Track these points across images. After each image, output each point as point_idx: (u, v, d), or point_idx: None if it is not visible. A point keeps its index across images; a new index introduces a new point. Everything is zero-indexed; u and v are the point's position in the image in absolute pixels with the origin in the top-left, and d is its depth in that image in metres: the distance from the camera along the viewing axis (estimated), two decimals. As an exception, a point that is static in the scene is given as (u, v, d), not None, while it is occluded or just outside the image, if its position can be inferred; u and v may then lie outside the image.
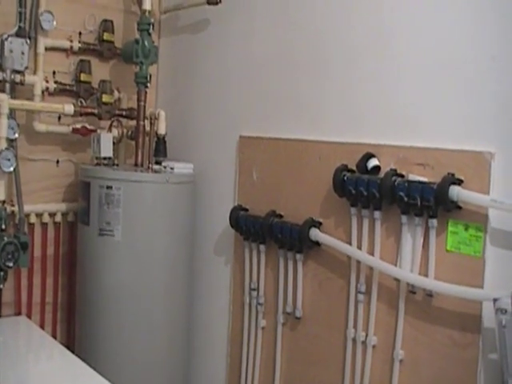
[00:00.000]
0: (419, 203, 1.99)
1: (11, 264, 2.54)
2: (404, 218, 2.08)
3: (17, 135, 2.72)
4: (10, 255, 2.53)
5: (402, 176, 2.10)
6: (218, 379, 2.95)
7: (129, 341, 2.70)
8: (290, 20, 2.60)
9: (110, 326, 2.70)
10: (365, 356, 2.24)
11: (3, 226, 2.58)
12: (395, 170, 2.11)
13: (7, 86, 2.70)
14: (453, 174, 1.96)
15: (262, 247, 2.63)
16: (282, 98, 2.63)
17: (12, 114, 2.70)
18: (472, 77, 1.97)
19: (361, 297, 2.25)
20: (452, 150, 1.98)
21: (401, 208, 2.07)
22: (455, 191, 1.92)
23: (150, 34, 2.90)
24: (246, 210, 2.70)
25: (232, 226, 2.71)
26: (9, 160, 2.57)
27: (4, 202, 2.62)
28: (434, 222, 2.00)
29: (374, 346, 2.22)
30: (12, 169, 2.60)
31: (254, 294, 2.69)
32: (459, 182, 1.94)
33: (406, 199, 2.02)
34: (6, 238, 2.53)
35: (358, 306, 2.26)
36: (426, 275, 2.03)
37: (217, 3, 2.88)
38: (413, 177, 2.07)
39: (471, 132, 1.98)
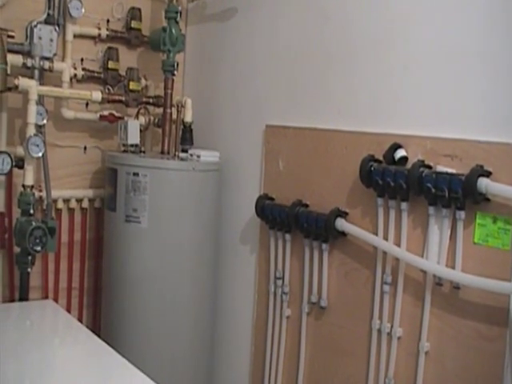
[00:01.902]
0: (447, 195, 1.97)
1: (39, 248, 2.55)
2: (431, 210, 2.06)
3: (45, 121, 2.74)
4: (37, 240, 2.54)
5: (430, 167, 2.08)
6: (242, 367, 2.96)
7: (154, 327, 2.72)
8: (318, 9, 2.57)
9: (136, 311, 2.72)
10: (390, 347, 2.23)
11: (31, 211, 2.60)
12: (423, 161, 2.09)
13: (36, 72, 2.72)
14: (481, 166, 1.93)
15: (287, 236, 2.62)
16: (308, 88, 2.61)
17: (41, 100, 2.72)
18: (501, 67, 1.94)
19: (386, 288, 2.23)
20: (480, 142, 1.95)
21: (428, 199, 2.05)
22: (484, 183, 1.90)
23: (177, 22, 2.90)
24: (272, 199, 2.69)
25: (258, 215, 2.70)
26: (37, 146, 2.59)
27: (32, 187, 2.63)
28: (461, 213, 1.98)
29: (399, 338, 2.21)
30: (40, 154, 2.61)
31: (279, 283, 2.68)
32: (488, 174, 1.92)
33: (433, 190, 2.00)
34: (34, 223, 2.54)
35: (383, 297, 2.25)
36: (453, 267, 2.01)
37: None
38: (440, 168, 2.04)
39: (500, 123, 1.95)
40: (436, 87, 2.12)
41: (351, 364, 2.40)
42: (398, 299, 2.20)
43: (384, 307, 2.25)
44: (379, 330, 2.28)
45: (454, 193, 1.95)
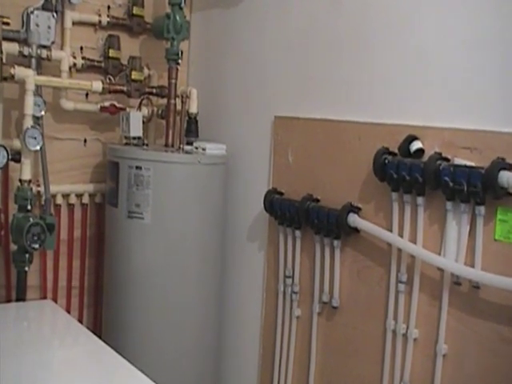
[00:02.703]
0: (466, 189, 1.92)
1: (37, 246, 2.52)
2: (449, 205, 2.01)
3: (43, 113, 2.70)
4: (35, 237, 2.50)
5: (448, 160, 2.03)
6: (250, 370, 2.94)
7: (157, 328, 2.69)
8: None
9: (138, 311, 2.69)
10: (405, 349, 2.19)
11: (29, 207, 2.56)
12: (440, 154, 2.04)
13: (33, 61, 2.67)
14: (503, 159, 1.88)
15: (297, 233, 2.59)
16: (319, 77, 2.57)
17: (38, 90, 2.67)
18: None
19: (402, 287, 2.19)
20: (502, 133, 1.90)
21: (446, 194, 2.00)
22: (505, 177, 1.84)
23: (181, 9, 2.84)
24: (281, 193, 2.67)
25: (266, 210, 2.68)
26: (35, 138, 2.54)
27: (30, 181, 2.59)
28: (481, 209, 1.93)
29: (415, 339, 2.16)
30: (38, 147, 2.57)
31: (289, 281, 2.65)
32: (510, 167, 1.86)
33: (451, 184, 1.95)
34: (31, 219, 2.50)
35: (398, 296, 2.21)
36: (473, 265, 1.96)
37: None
38: (459, 161, 1.99)
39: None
40: (454, 75, 2.07)
41: (364, 367, 2.36)
42: (414, 299, 2.16)
43: (399, 307, 2.21)
44: (394, 331, 2.24)
45: (474, 187, 1.90)
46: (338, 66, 2.49)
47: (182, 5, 2.83)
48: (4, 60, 2.51)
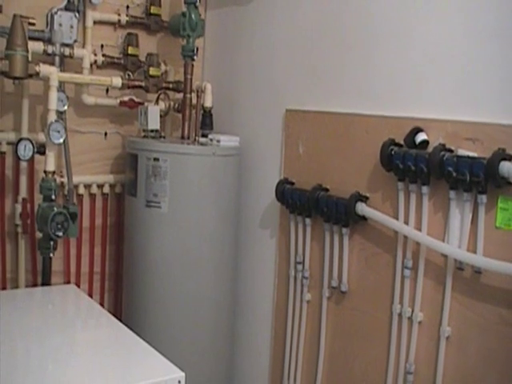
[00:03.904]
0: (468, 179, 1.94)
1: (61, 234, 2.56)
2: (452, 194, 2.04)
3: (66, 107, 2.76)
4: (59, 225, 2.54)
5: (451, 151, 2.05)
6: (262, 351, 2.96)
7: (174, 312, 2.73)
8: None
9: (156, 296, 2.73)
10: (410, 332, 2.22)
11: (53, 197, 2.61)
12: (444, 145, 2.06)
13: (57, 59, 2.74)
14: (503, 150, 1.90)
15: (307, 220, 2.61)
16: (329, 71, 2.59)
17: (61, 86, 2.73)
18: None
19: (407, 272, 2.22)
20: (503, 125, 1.92)
21: (449, 183, 2.03)
22: (506, 167, 1.86)
23: (196, 7, 2.88)
24: (292, 183, 2.69)
25: (278, 200, 2.70)
26: (58, 132, 2.59)
27: (54, 172, 2.64)
28: (483, 197, 1.95)
29: (419, 322, 2.19)
30: (61, 140, 2.62)
31: (300, 267, 2.68)
32: (510, 158, 1.88)
33: (454, 174, 1.98)
34: (55, 209, 2.55)
35: (404, 281, 2.23)
36: (475, 252, 1.99)
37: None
38: (462, 152, 2.01)
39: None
40: (458, 69, 2.08)
41: (372, 349, 2.39)
42: (419, 284, 2.18)
43: (405, 292, 2.23)
44: (400, 315, 2.26)
45: (476, 177, 1.92)
46: (346, 60, 2.49)
47: (197, 4, 2.87)
48: (30, 58, 2.56)
